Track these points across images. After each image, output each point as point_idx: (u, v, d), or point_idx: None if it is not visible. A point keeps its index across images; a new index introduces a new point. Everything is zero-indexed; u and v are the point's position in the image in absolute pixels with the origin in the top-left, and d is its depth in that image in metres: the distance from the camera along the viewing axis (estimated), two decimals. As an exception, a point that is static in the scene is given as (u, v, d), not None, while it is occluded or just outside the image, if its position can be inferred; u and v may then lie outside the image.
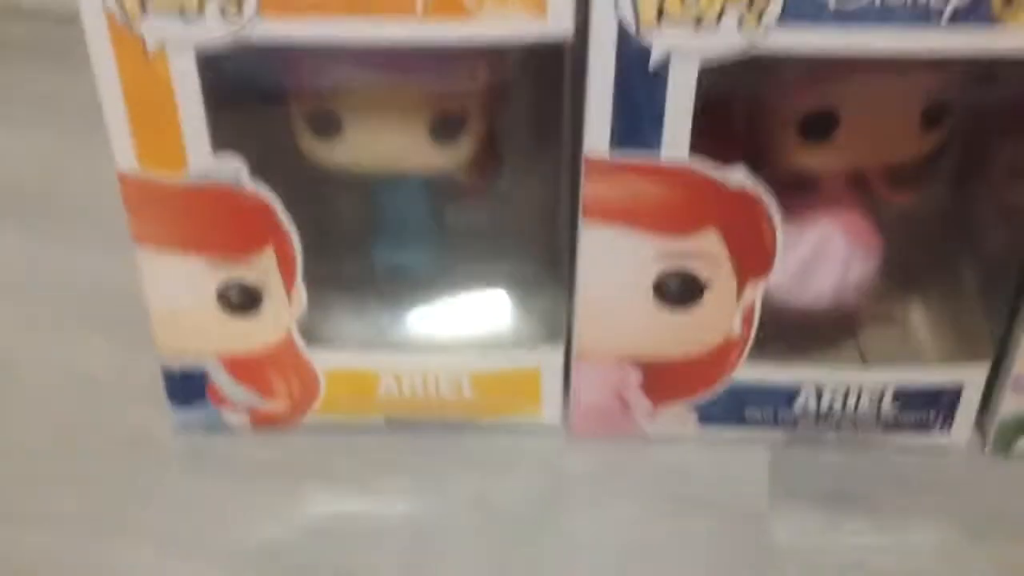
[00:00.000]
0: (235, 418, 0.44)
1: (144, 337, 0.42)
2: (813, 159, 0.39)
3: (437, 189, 0.44)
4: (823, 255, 0.42)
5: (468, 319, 0.45)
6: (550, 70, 0.37)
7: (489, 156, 0.43)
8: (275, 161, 0.39)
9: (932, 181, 0.44)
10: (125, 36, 0.34)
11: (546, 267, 0.44)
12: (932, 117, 0.39)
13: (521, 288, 0.46)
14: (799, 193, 0.42)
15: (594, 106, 0.36)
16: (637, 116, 0.36)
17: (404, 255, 0.45)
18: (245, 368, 0.43)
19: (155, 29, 0.34)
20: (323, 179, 0.42)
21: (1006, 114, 0.40)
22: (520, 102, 0.41)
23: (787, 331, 0.43)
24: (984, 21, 0.33)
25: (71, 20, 0.35)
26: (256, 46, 0.34)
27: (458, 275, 0.46)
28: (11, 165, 0.58)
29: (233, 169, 0.37)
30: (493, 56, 0.38)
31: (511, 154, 0.44)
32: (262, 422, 0.44)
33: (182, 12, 0.34)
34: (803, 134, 0.39)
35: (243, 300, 0.41)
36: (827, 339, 0.45)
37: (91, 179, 0.52)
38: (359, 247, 0.45)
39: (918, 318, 0.46)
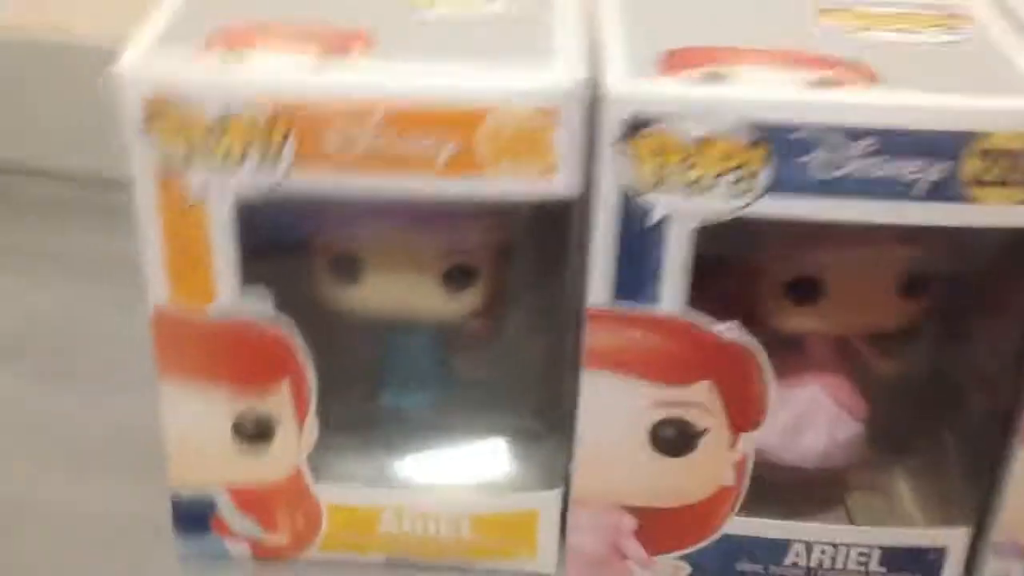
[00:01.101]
0: (238, 550, 0.47)
1: (152, 477, 0.46)
2: (799, 321, 0.44)
3: (446, 337, 0.48)
4: (811, 415, 0.46)
5: (470, 462, 0.49)
6: (556, 227, 0.41)
7: (496, 306, 0.47)
8: (294, 305, 0.43)
9: (915, 349, 0.48)
10: (170, 185, 0.39)
11: (547, 414, 0.48)
12: (912, 287, 0.43)
13: (522, 435, 0.49)
14: (789, 353, 0.46)
15: (598, 261, 0.40)
16: (637, 271, 0.40)
17: (410, 398, 0.48)
18: (252, 500, 0.46)
19: (198, 180, 0.39)
20: (338, 323, 0.47)
21: (982, 286, 0.44)
22: (526, 256, 0.46)
23: (778, 487, 0.46)
24: (956, 198, 0.37)
25: (97, 182, 0.39)
26: (288, 197, 0.39)
27: (462, 420, 0.49)
28: (33, 316, 0.62)
29: (257, 305, 0.41)
30: (505, 212, 0.43)
31: (517, 305, 0.48)
32: (264, 555, 0.47)
33: (224, 163, 0.38)
34: (790, 297, 0.43)
35: (257, 431, 0.44)
36: (817, 497, 0.48)
37: (108, 331, 0.59)
38: (368, 388, 0.49)
39: (902, 481, 0.49)
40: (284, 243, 0.44)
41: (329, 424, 0.45)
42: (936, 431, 0.48)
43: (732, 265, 0.44)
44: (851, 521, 0.47)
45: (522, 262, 0.46)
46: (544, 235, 0.42)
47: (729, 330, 0.41)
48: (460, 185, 0.38)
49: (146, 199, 0.39)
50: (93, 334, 0.60)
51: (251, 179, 0.38)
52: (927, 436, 0.48)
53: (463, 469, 0.48)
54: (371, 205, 0.41)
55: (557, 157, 0.38)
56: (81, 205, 0.70)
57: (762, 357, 0.41)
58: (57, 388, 0.57)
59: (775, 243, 0.41)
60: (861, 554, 0.44)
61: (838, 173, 0.37)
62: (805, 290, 0.42)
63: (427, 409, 0.49)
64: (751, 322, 0.42)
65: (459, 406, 0.49)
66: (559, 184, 0.38)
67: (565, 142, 0.37)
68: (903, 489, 0.50)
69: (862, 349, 0.46)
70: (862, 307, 0.43)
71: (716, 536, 0.45)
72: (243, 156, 0.38)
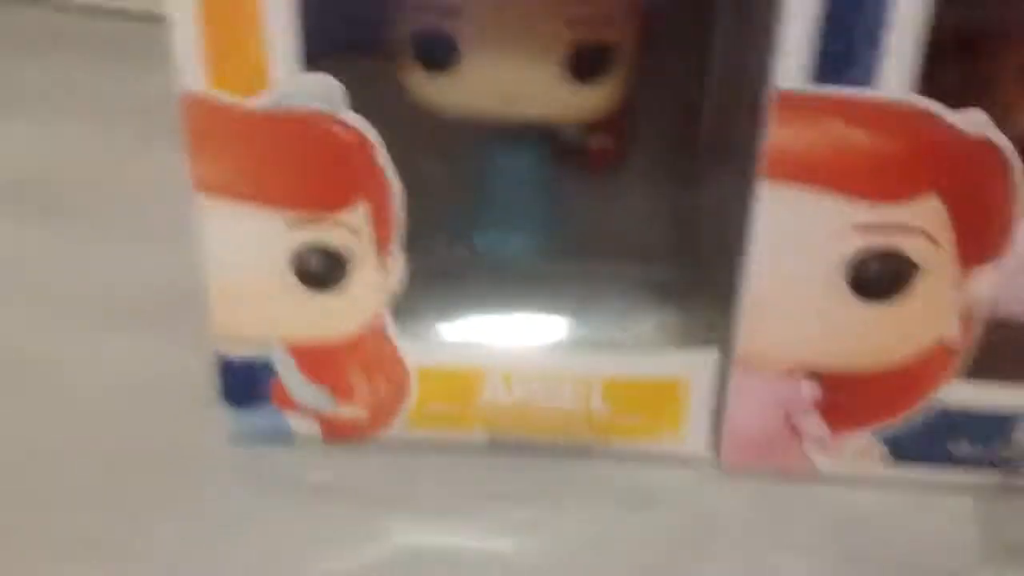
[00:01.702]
0: (303, 426, 0.38)
1: (193, 331, 0.37)
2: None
3: (560, 157, 0.37)
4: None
5: (594, 316, 0.38)
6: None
7: (627, 115, 0.36)
8: (369, 101, 0.33)
9: None
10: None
11: (691, 256, 0.37)
12: None
13: (658, 286, 0.39)
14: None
15: (793, 19, 0.29)
16: (850, 35, 0.29)
17: (509, 239, 0.38)
18: (320, 361, 0.36)
19: None
20: (420, 135, 0.36)
21: None
22: (670, 37, 0.35)
23: (998, 349, 0.36)
24: None
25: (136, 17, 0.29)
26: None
27: (577, 269, 0.39)
28: (54, 160, 0.55)
29: (327, 91, 0.31)
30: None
31: (652, 112, 0.37)
32: (336, 433, 0.38)
33: None
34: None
35: (325, 269, 0.34)
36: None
37: (138, 175, 0.51)
38: (458, 226, 0.39)
39: None
40: (355, 23, 0.33)
41: (409, 272, 0.35)
42: None
43: (966, 39, 0.32)
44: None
45: (666, 45, 0.35)
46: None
47: (970, 123, 0.29)
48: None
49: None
50: (128, 178, 0.53)
51: None
52: None
53: (586, 324, 0.37)
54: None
55: None
56: (113, 43, 0.62)
57: (1015, 159, 0.30)
58: (83, 237, 0.49)
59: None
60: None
61: None
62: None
63: (530, 255, 0.39)
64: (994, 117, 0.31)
65: (572, 251, 0.39)
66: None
67: None
68: None
69: None
70: None
71: (926, 408, 0.34)
72: None
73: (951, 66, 0.33)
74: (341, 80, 0.32)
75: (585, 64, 0.34)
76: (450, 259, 0.39)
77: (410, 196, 0.33)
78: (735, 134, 0.33)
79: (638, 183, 0.41)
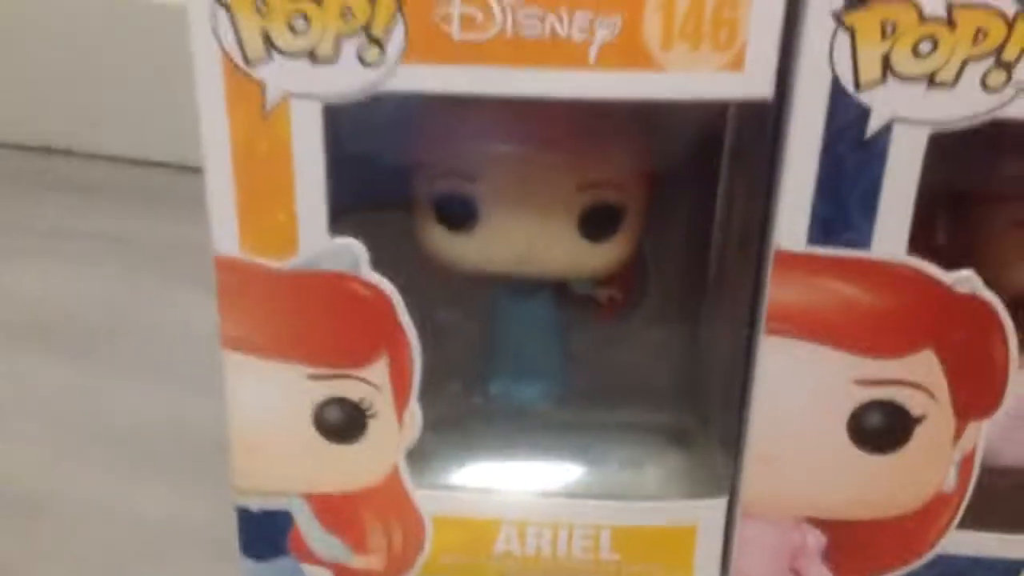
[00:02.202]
0: (319, 576, 0.38)
1: (214, 480, 0.38)
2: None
3: (572, 309, 0.39)
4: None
5: (606, 466, 0.39)
6: (717, 151, 0.33)
7: (635, 268, 0.38)
8: (389, 259, 0.35)
9: None
10: (242, 84, 0.31)
11: (700, 407, 0.39)
12: None
13: (668, 433, 0.40)
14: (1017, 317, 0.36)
15: (792, 186, 0.31)
16: (845, 200, 0.31)
17: (527, 388, 0.40)
18: (338, 511, 0.37)
19: (279, 75, 0.30)
20: (438, 290, 0.38)
21: None
22: (678, 196, 0.37)
23: (991, 494, 0.37)
24: None
25: (165, 166, 0.32)
26: (396, 97, 0.30)
27: (590, 416, 0.41)
28: (77, 302, 0.57)
29: (352, 254, 0.33)
30: (663, 130, 0.34)
31: (661, 264, 0.39)
32: (351, 582, 0.39)
33: (313, 55, 0.30)
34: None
35: (346, 422, 0.36)
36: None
37: (155, 320, 0.53)
38: (474, 375, 0.40)
39: None
40: (378, 183, 0.35)
41: (428, 421, 0.36)
42: None
43: (959, 197, 0.34)
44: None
45: (672, 204, 0.37)
46: (703, 163, 0.33)
47: (964, 281, 0.31)
48: (620, 82, 0.29)
49: (211, 100, 0.30)
50: (157, 323, 0.54)
51: (349, 73, 0.29)
52: None
53: (598, 474, 0.39)
54: (491, 123, 0.32)
55: (745, 40, 0.29)
56: (143, 189, 0.66)
57: (1005, 316, 0.31)
58: (111, 379, 0.50)
59: (1018, 167, 0.32)
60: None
61: None
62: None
63: (545, 402, 0.40)
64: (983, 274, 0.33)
65: (585, 398, 0.41)
66: (748, 80, 0.29)
67: (759, 21, 0.28)
68: None
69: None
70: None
71: (929, 557, 0.35)
72: (337, 40, 0.29)
73: (943, 226, 0.35)
74: (364, 234, 0.33)
75: (597, 225, 0.36)
76: (465, 407, 0.41)
77: (426, 346, 0.35)
78: (738, 288, 0.35)
79: (649, 331, 0.42)
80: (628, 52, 0.29)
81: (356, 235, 0.33)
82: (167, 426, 0.46)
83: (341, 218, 0.33)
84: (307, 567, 0.38)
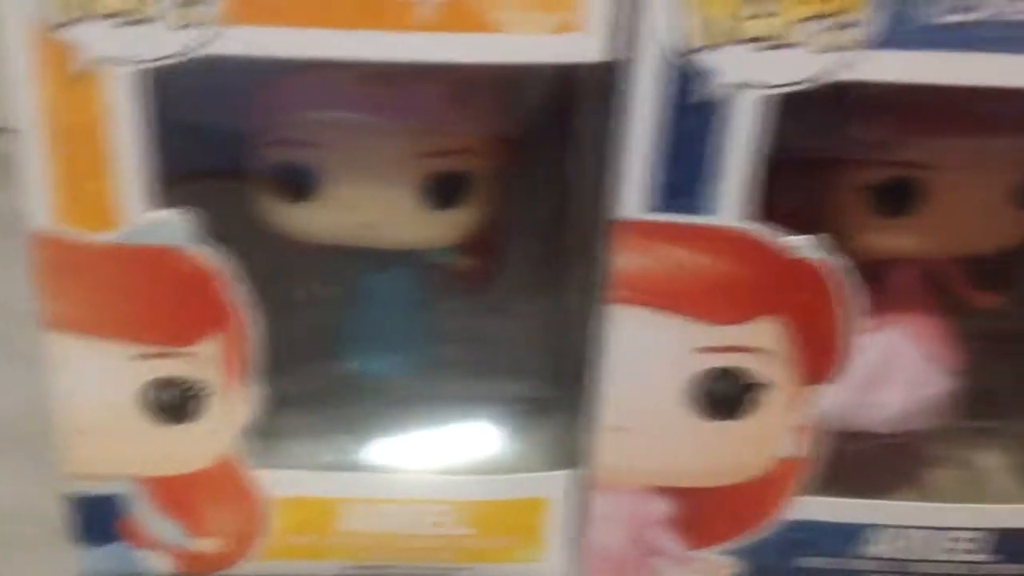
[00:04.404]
0: (158, 562, 0.37)
1: (48, 469, 0.36)
2: (888, 239, 0.35)
3: (428, 280, 0.38)
4: (889, 367, 0.37)
5: (457, 440, 0.39)
6: (573, 114, 0.32)
7: (494, 235, 0.37)
8: (225, 234, 0.33)
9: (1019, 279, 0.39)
10: (52, 47, 0.29)
11: (556, 378, 0.38)
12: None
13: (524, 405, 0.40)
14: (865, 285, 0.36)
15: (632, 152, 0.30)
16: (687, 166, 0.30)
17: (382, 361, 0.39)
18: (174, 495, 0.36)
19: (89, 37, 0.29)
20: (287, 261, 0.37)
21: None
22: (535, 163, 0.36)
23: (843, 460, 0.37)
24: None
25: None
26: (217, 61, 0.28)
27: (447, 388, 0.40)
28: None
29: (176, 227, 0.31)
30: (506, 96, 0.33)
31: (519, 234, 0.38)
32: (191, 568, 0.37)
33: (127, 16, 0.28)
34: (878, 205, 0.34)
35: (176, 403, 0.34)
36: (890, 471, 0.39)
37: None
38: (329, 349, 0.39)
39: (998, 451, 0.41)
40: (209, 149, 0.33)
41: (279, 398, 0.35)
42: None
43: (803, 162, 0.34)
44: (948, 498, 0.38)
45: (529, 172, 0.36)
46: (558, 128, 0.33)
47: (805, 247, 0.31)
48: (452, 45, 0.28)
49: (19, 65, 0.28)
50: None
51: (165, 36, 0.28)
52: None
53: (448, 449, 0.38)
54: (326, 88, 0.31)
55: (579, 2, 0.28)
56: None
57: (848, 282, 0.32)
58: None
59: (865, 130, 0.32)
60: (967, 539, 0.35)
61: (969, 17, 0.28)
62: (898, 196, 0.33)
63: (404, 376, 0.40)
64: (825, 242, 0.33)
65: (444, 371, 0.40)
66: (586, 43, 0.28)
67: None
68: (997, 461, 0.41)
69: (957, 282, 0.37)
70: (969, 221, 0.34)
71: (773, 523, 0.36)
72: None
73: (791, 192, 0.35)
74: (202, 205, 0.32)
75: (442, 192, 0.35)
76: (322, 383, 0.40)
77: (278, 320, 0.34)
78: (588, 257, 0.34)
79: (512, 301, 0.41)
80: (459, 14, 0.28)
81: (197, 206, 0.31)
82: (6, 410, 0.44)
83: (177, 188, 0.31)
84: (143, 552, 0.37)
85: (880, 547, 0.36)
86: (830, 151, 0.34)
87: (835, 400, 0.36)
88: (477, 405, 0.40)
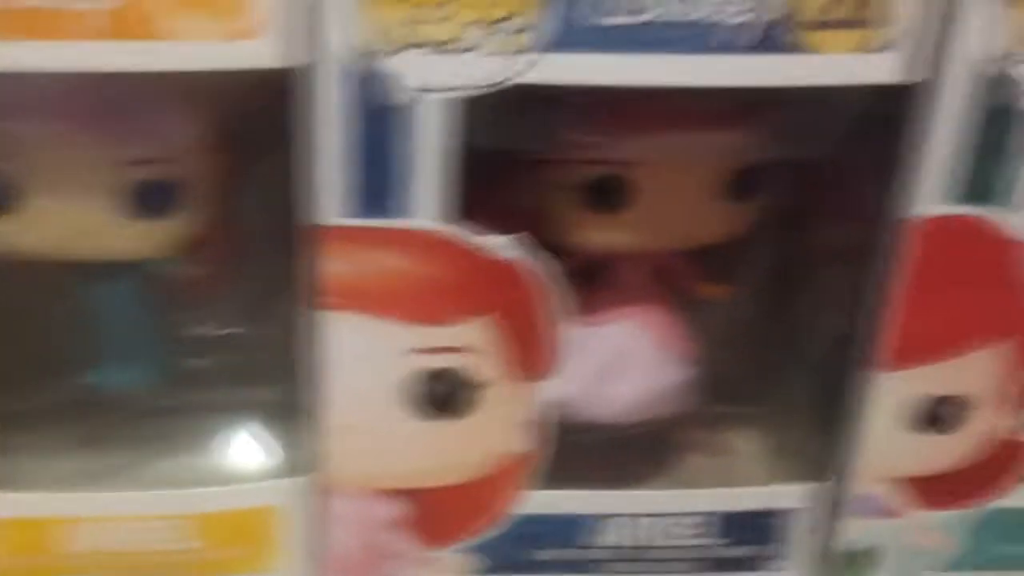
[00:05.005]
0: None
1: None
2: (600, 235, 0.35)
3: (155, 288, 0.38)
4: (623, 359, 0.38)
5: (194, 452, 0.38)
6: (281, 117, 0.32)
7: (218, 242, 0.37)
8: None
9: (749, 269, 0.40)
10: None
11: (293, 381, 0.38)
12: (740, 187, 0.35)
13: (265, 410, 0.39)
14: (593, 280, 0.37)
15: (324, 157, 0.30)
16: (379, 170, 0.30)
17: (119, 373, 0.38)
18: None
19: None
20: (20, 271, 0.36)
21: (825, 180, 0.37)
22: (256, 165, 0.36)
23: (587, 453, 0.38)
24: (783, 47, 0.29)
25: None
26: None
27: (189, 400, 0.39)
28: None
29: None
30: (213, 100, 0.32)
31: (254, 238, 0.38)
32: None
33: None
34: (588, 203, 0.34)
35: None
36: (637, 461, 0.40)
37: None
38: (62, 362, 0.38)
39: (744, 436, 0.42)
40: None
41: (12, 416, 0.34)
42: (782, 372, 0.40)
43: (512, 163, 0.35)
44: (684, 486, 0.39)
45: (251, 178, 0.36)
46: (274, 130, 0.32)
47: (505, 247, 0.31)
48: (126, 53, 0.28)
49: None
50: None
51: None
52: (772, 379, 0.40)
53: (185, 461, 0.37)
54: (20, 99, 0.30)
55: (255, 9, 0.28)
56: None
57: (550, 280, 0.32)
58: None
59: (568, 130, 0.32)
60: (693, 524, 0.36)
61: (639, 19, 0.28)
62: (607, 193, 0.33)
63: (143, 388, 0.38)
64: (539, 240, 0.33)
65: (186, 381, 0.39)
66: (263, 49, 0.28)
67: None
68: (744, 445, 0.42)
69: (684, 274, 0.37)
70: (679, 213, 0.34)
71: (508, 518, 0.36)
72: None
73: (511, 192, 0.35)
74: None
75: (147, 201, 0.34)
76: (62, 398, 0.39)
77: (8, 338, 0.32)
78: (300, 263, 0.34)
79: (250, 309, 0.41)
80: (132, 22, 0.28)
81: None
82: None
83: None
84: None
85: (611, 536, 0.37)
86: (542, 152, 0.34)
87: (568, 393, 0.37)
88: (219, 414, 0.39)
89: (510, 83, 0.29)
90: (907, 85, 0.30)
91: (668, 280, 0.38)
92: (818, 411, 0.37)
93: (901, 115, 0.31)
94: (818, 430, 0.37)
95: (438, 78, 0.29)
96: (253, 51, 0.28)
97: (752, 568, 0.38)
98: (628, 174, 0.34)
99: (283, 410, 0.39)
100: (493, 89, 0.29)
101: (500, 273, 0.32)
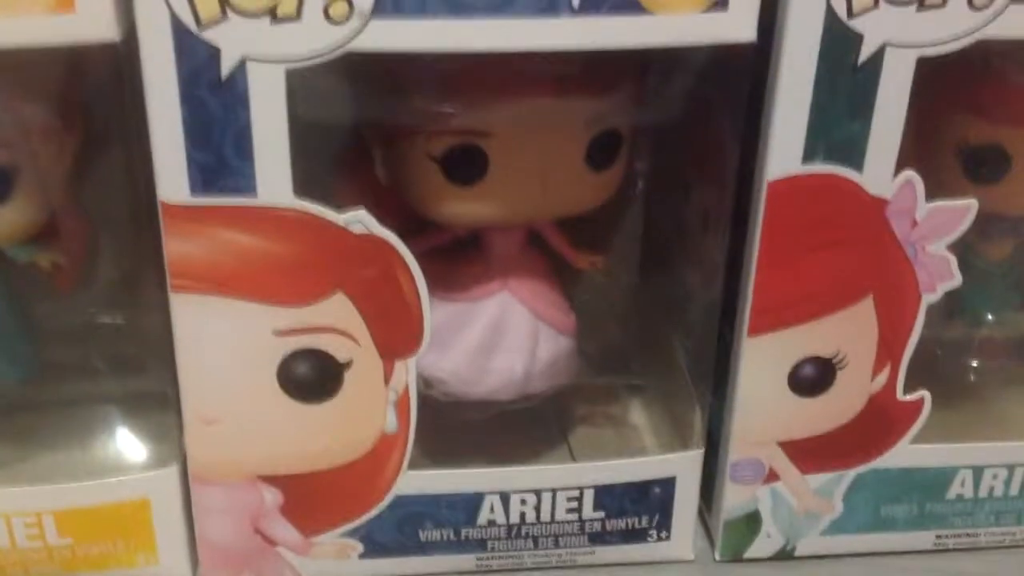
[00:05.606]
0: None
1: None
2: (459, 206, 0.34)
3: (18, 277, 0.37)
4: (501, 332, 0.37)
5: (61, 446, 0.37)
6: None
7: (72, 227, 0.36)
8: None
9: (622, 240, 0.40)
10: None
11: (163, 370, 0.37)
12: (600, 155, 0.35)
13: (139, 401, 0.38)
14: (464, 253, 0.36)
15: (160, 135, 0.29)
16: (218, 146, 0.30)
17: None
18: None
19: None
20: None
21: (688, 147, 0.36)
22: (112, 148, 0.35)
23: (469, 429, 0.37)
24: (623, 8, 0.29)
25: None
26: None
27: (60, 391, 0.38)
28: None
29: None
30: (47, 80, 0.32)
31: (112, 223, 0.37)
32: None
33: None
34: (446, 175, 0.34)
35: None
36: (522, 436, 0.40)
37: None
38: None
39: (634, 407, 0.42)
40: None
41: None
42: (663, 341, 0.39)
43: (368, 136, 0.34)
44: (573, 460, 0.38)
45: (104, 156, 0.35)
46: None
47: (360, 222, 0.31)
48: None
49: None
50: None
51: None
52: (654, 349, 0.40)
53: (53, 456, 0.37)
54: None
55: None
56: None
57: (405, 251, 0.31)
58: None
59: (420, 101, 0.32)
60: (572, 498, 0.35)
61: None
62: (465, 165, 0.33)
63: (8, 382, 0.37)
64: (396, 213, 0.33)
65: (57, 373, 0.38)
66: (85, 25, 0.27)
67: None
68: (636, 416, 0.41)
69: (557, 244, 0.37)
70: (541, 184, 0.34)
71: (386, 500, 0.35)
72: None
73: (358, 167, 0.35)
74: None
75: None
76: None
77: None
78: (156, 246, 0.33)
79: (123, 297, 0.40)
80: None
81: None
82: None
83: None
84: None
85: (495, 514, 0.36)
86: (397, 123, 0.33)
87: (446, 370, 0.36)
88: (89, 407, 0.38)
89: (338, 53, 0.28)
90: (751, 44, 0.30)
91: (541, 252, 0.37)
92: (696, 379, 0.37)
93: (750, 75, 0.31)
94: (697, 398, 0.36)
95: (268, 48, 0.28)
96: (74, 24, 0.27)
97: (636, 539, 0.37)
98: (484, 144, 0.33)
99: (153, 400, 0.38)
100: (320, 60, 0.28)
101: (355, 249, 0.31)
